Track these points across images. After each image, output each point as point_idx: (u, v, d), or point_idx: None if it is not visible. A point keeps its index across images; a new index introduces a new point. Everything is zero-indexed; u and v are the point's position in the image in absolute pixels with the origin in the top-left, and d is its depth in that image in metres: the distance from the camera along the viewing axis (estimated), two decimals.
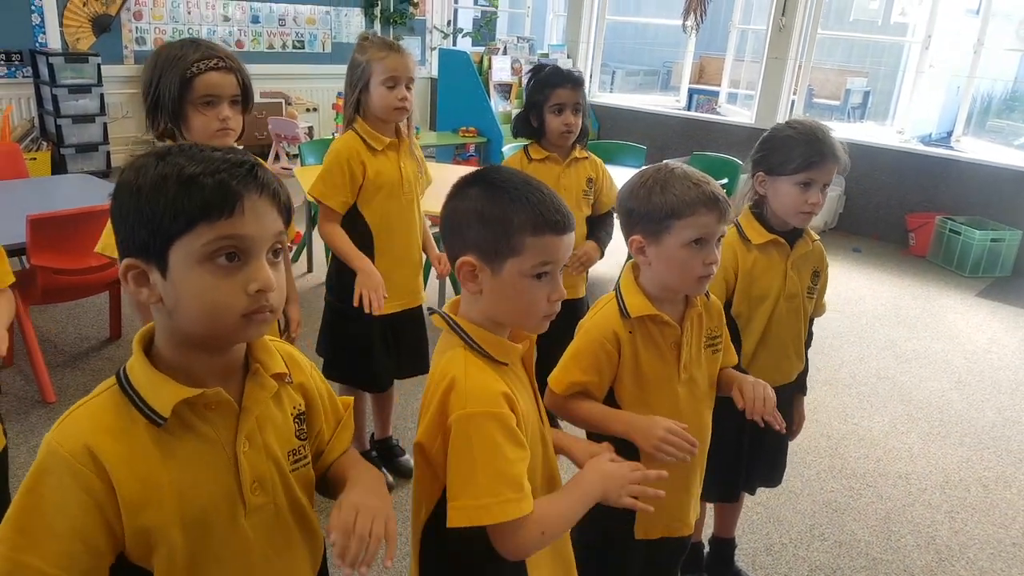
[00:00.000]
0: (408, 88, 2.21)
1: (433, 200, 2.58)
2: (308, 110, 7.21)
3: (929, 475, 2.91)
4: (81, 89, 5.81)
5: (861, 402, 3.47)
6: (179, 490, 0.88)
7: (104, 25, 6.21)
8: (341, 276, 2.33)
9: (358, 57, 2.22)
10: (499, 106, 6.89)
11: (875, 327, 4.39)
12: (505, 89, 6.99)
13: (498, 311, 1.16)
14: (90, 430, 0.86)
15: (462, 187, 1.16)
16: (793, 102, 6.60)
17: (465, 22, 9.32)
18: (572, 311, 2.05)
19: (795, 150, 1.74)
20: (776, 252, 1.84)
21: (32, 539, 0.84)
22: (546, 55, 7.53)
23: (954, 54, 7.19)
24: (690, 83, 8.04)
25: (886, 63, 9.90)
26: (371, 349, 2.38)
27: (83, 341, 3.48)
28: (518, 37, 7.40)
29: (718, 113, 7.55)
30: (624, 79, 11.80)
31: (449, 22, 8.70)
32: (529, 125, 2.47)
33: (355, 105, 2.24)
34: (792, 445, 2.95)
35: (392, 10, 8.04)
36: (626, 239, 1.48)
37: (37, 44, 5.83)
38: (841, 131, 6.78)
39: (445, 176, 2.57)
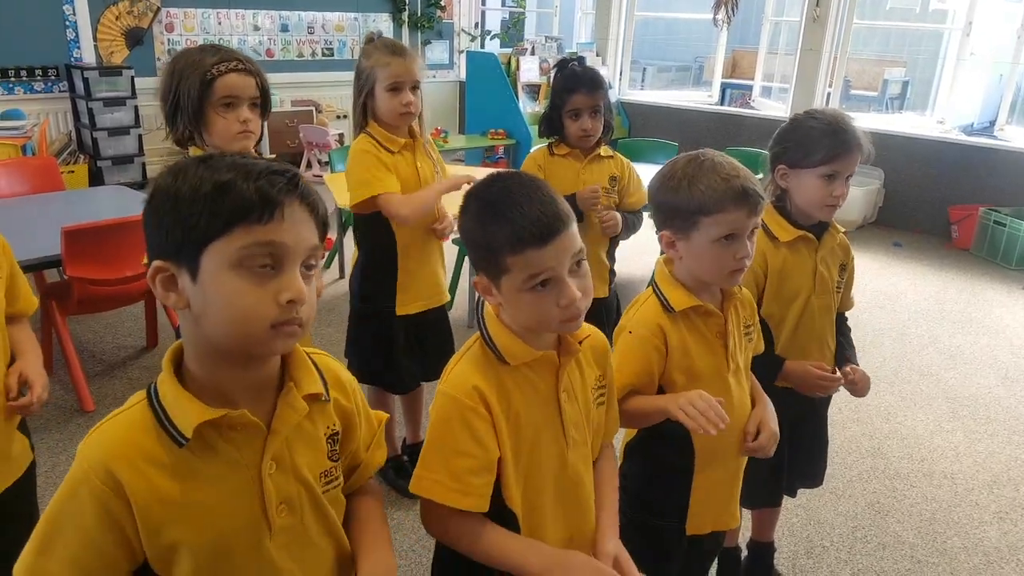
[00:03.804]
0: (414, 91, 2.19)
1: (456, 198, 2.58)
2: (338, 117, 7.26)
3: (976, 474, 2.81)
4: (116, 102, 5.92)
5: (904, 400, 3.36)
6: (199, 512, 0.87)
7: (137, 38, 6.32)
8: (365, 277, 2.35)
9: (363, 62, 2.21)
10: (527, 107, 6.87)
11: (917, 323, 4.26)
12: (534, 90, 6.96)
13: (520, 322, 1.15)
14: (112, 447, 0.85)
15: (463, 205, 1.15)
16: (829, 94, 6.45)
17: (493, 24, 9.31)
18: (595, 313, 2.01)
19: (819, 141, 1.69)
20: (805, 248, 1.78)
21: (51, 546, 0.86)
22: (574, 54, 7.47)
23: (997, 41, 6.96)
24: (723, 78, 7.92)
25: (925, 52, 9.66)
26: (395, 349, 2.37)
27: (120, 350, 3.53)
28: (546, 37, 7.36)
29: (752, 107, 7.43)
30: (655, 76, 11.68)
31: (476, 24, 8.69)
32: (552, 125, 2.45)
33: (363, 110, 2.24)
34: (833, 445, 2.88)
35: (419, 14, 8.06)
36: (657, 232, 1.44)
37: (72, 59, 5.96)
38: (879, 122, 6.66)
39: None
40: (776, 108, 7.01)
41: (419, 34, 8.14)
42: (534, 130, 6.74)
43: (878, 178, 6.06)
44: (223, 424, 0.87)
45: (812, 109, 1.79)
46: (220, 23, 6.84)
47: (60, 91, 5.97)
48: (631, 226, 2.55)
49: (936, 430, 3.12)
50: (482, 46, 8.63)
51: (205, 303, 0.84)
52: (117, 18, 6.18)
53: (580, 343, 1.21)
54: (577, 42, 8.02)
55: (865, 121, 6.64)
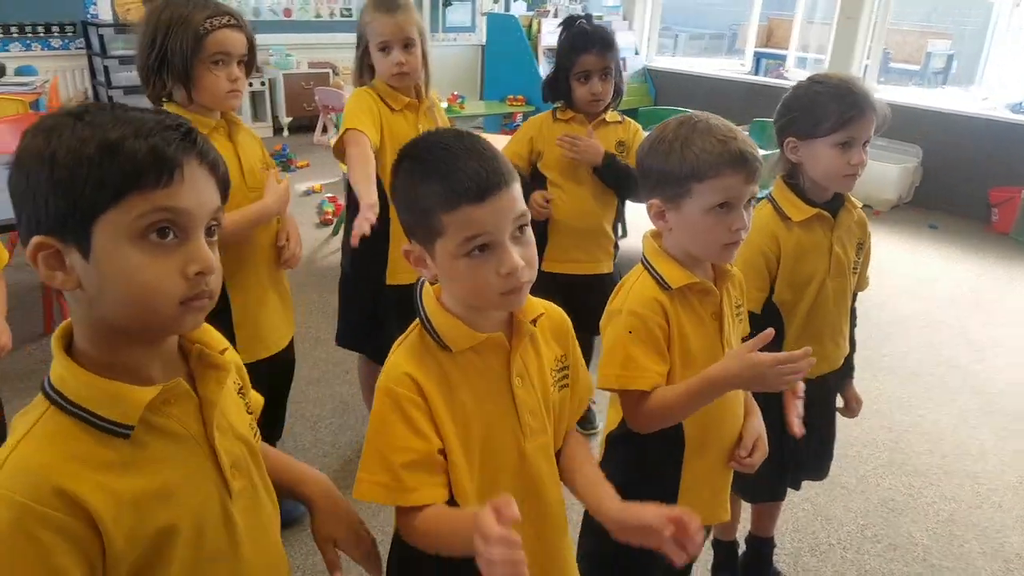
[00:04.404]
0: (407, 50, 2.06)
1: None
2: None
3: (1001, 475, 2.64)
4: (131, 60, 5.81)
5: (928, 392, 3.18)
6: (170, 497, 0.80)
7: None
8: (357, 246, 2.24)
9: (360, 18, 2.13)
10: (548, 72, 6.65)
11: (948, 310, 4.04)
12: (555, 54, 6.74)
13: (458, 296, 1.03)
14: (50, 467, 0.73)
15: (395, 165, 1.03)
16: (867, 66, 6.15)
17: None
18: (598, 289, 1.89)
19: (828, 107, 1.54)
20: (820, 227, 1.63)
21: None
22: (600, 18, 7.22)
23: None
24: (757, 46, 7.62)
25: (972, 23, 9.19)
26: (382, 319, 2.27)
27: None
28: None
29: (785, 78, 7.13)
30: (688, 43, 11.34)
31: None
32: (558, 89, 2.29)
33: (360, 67, 2.16)
34: (848, 437, 2.75)
35: None
36: (645, 202, 1.31)
37: (89, 16, 5.88)
38: (919, 97, 6.34)
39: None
40: None
41: None
42: None
43: (916, 156, 5.78)
44: (157, 401, 0.79)
45: (816, 74, 1.63)
46: None
47: (77, 48, 5.91)
48: (632, 185, 2.39)
49: (960, 425, 2.94)
50: (507, 9, 8.39)
51: (102, 282, 0.75)
52: None
53: (534, 322, 1.09)
54: (604, 5, 7.74)
55: (904, 95, 6.38)
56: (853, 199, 1.69)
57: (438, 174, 0.96)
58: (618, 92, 2.30)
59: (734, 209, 1.22)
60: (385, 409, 1.01)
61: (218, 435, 0.86)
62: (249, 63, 1.75)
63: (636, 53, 7.43)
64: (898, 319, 3.84)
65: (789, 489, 1.92)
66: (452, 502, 1.05)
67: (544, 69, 6.66)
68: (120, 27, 5.83)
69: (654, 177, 1.27)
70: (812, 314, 1.65)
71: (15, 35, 5.57)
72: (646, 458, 1.38)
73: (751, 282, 1.61)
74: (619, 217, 2.48)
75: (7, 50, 5.53)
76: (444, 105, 6.02)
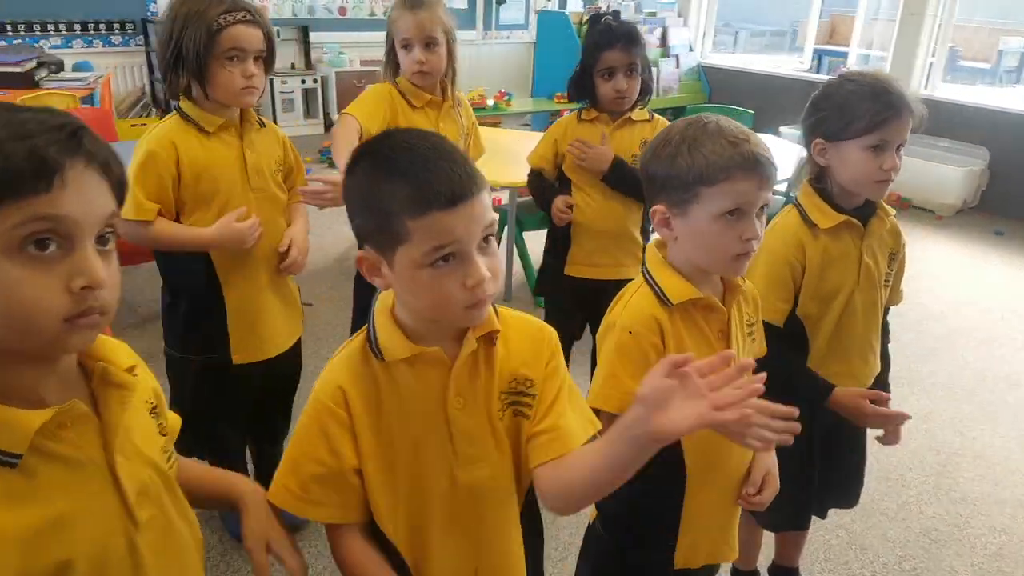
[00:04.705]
0: (429, 49, 2.04)
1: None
2: None
3: None
4: None
5: (984, 412, 2.98)
6: (63, 529, 0.74)
7: None
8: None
9: (390, 16, 2.13)
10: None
11: (1011, 323, 3.79)
12: (581, 52, 6.62)
13: (414, 308, 0.97)
14: None
15: (351, 162, 0.96)
16: (932, 64, 5.85)
17: None
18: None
19: (860, 106, 1.43)
20: (848, 236, 1.53)
21: None
22: (653, 14, 7.08)
23: None
24: (819, 43, 7.35)
25: None
26: None
27: (156, 303, 3.52)
28: None
29: None
30: (749, 40, 11.07)
31: None
32: (582, 87, 2.22)
33: (387, 66, 2.16)
34: (890, 460, 2.59)
35: None
36: (648, 208, 1.24)
37: (148, 14, 6.03)
38: (988, 97, 6.00)
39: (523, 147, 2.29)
40: None
41: None
42: None
43: (982, 158, 5.47)
44: (51, 426, 0.73)
45: (849, 71, 1.52)
46: None
47: (137, 45, 6.07)
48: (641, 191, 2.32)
49: (1018, 450, 2.74)
50: (563, 6, 8.29)
51: None
52: None
53: (493, 339, 1.01)
54: (659, 1, 7.57)
55: (971, 94, 6.05)
56: (886, 206, 1.58)
57: (406, 176, 0.89)
58: (646, 90, 2.22)
59: (745, 216, 1.13)
60: (309, 417, 0.99)
61: (121, 460, 0.80)
62: (268, 59, 1.72)
63: (690, 50, 7.26)
64: (955, 332, 3.63)
65: (817, 517, 1.82)
66: (375, 525, 1.01)
67: None
68: None
69: (659, 182, 1.19)
70: (839, 329, 1.55)
71: (78, 32, 5.75)
72: (645, 488, 1.28)
73: (775, 293, 1.51)
74: (647, 220, 2.39)
75: (69, 46, 5.71)
76: (491, 102, 6.00)
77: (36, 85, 4.13)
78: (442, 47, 2.08)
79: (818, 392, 1.51)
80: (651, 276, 1.22)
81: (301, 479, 0.98)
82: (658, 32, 7.05)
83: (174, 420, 0.98)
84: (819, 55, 7.50)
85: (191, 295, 1.84)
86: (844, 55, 7.19)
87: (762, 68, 7.15)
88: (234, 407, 1.96)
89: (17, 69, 4.10)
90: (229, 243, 1.71)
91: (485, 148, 2.38)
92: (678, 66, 7.10)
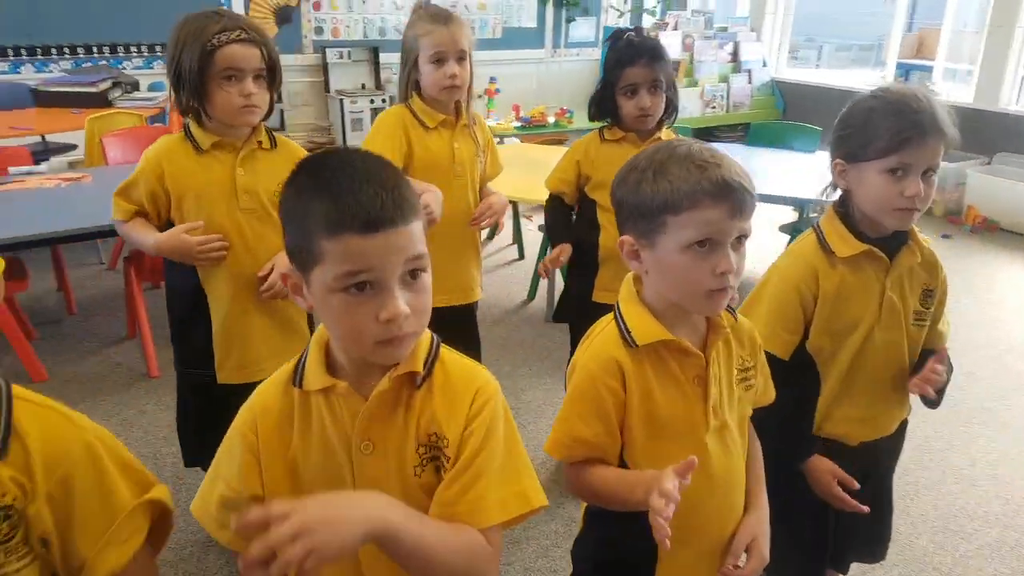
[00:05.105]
0: (460, 63, 2.00)
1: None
2: (478, 96, 7.16)
3: None
4: None
5: None
6: None
7: (286, 16, 6.54)
8: None
9: (408, 32, 2.06)
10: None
11: None
12: (673, 67, 6.47)
13: (332, 336, 0.93)
14: None
15: (288, 178, 0.91)
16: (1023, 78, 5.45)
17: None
18: None
19: (880, 125, 1.29)
20: (870, 267, 1.37)
21: None
22: (724, 29, 6.88)
23: None
24: (903, 58, 6.97)
25: None
26: None
27: None
28: (692, 11, 6.82)
29: (932, 91, 6.47)
30: (834, 54, 10.65)
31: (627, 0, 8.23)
32: (604, 106, 2.12)
33: (406, 83, 2.09)
34: (951, 507, 2.36)
35: None
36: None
37: None
38: None
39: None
40: (959, 94, 6.03)
41: (563, 11, 7.84)
42: None
43: None
44: None
45: (882, 86, 1.37)
46: (364, 1, 6.93)
47: None
48: None
49: None
50: (638, 21, 8.18)
51: None
52: None
53: (422, 381, 0.93)
54: (729, 16, 7.37)
55: None
56: (920, 236, 1.41)
57: (327, 193, 0.85)
58: (671, 108, 2.11)
59: (718, 248, 1.03)
60: (226, 438, 0.97)
61: None
62: (271, 77, 1.71)
63: (764, 65, 7.01)
64: None
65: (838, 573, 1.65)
66: None
67: None
68: None
69: (626, 210, 1.10)
70: (855, 368, 1.40)
71: (159, 54, 6.03)
72: (621, 543, 1.18)
73: (779, 322, 1.38)
74: None
75: (151, 67, 5.99)
76: (551, 119, 5.95)
77: (109, 104, 4.33)
78: (468, 63, 2.04)
79: (799, 449, 1.41)
80: (620, 313, 1.13)
81: (213, 498, 0.95)
82: (729, 47, 6.85)
83: (101, 561, 0.86)
84: (906, 70, 7.12)
85: (180, 309, 1.87)
86: (931, 69, 6.80)
87: (841, 84, 6.82)
88: (227, 423, 1.96)
89: (92, 89, 4.32)
90: (171, 253, 1.74)
91: (503, 166, 2.31)
92: (750, 81, 6.87)
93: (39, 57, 5.23)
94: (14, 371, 2.99)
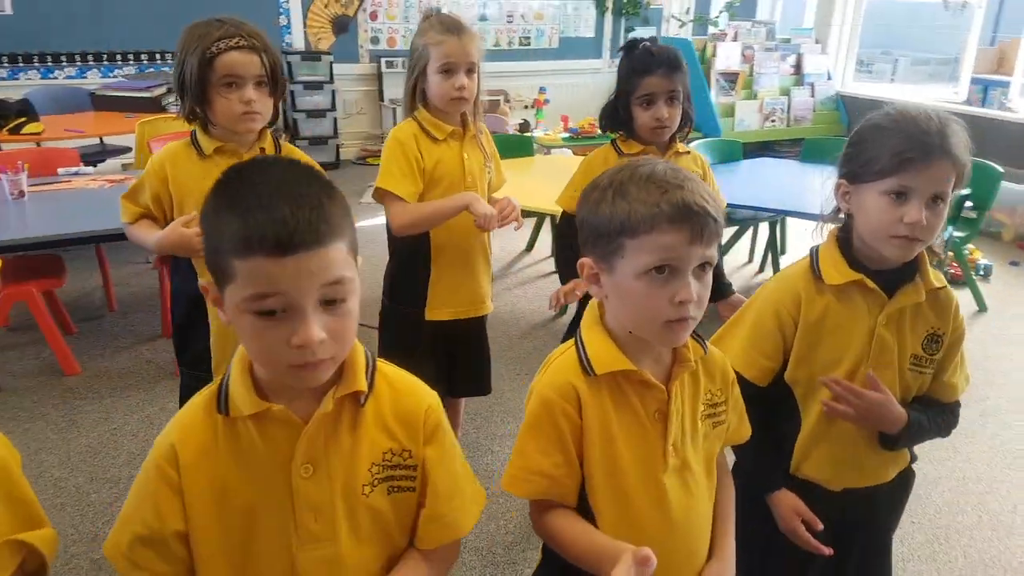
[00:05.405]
0: (469, 75, 1.96)
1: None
2: (526, 107, 7.15)
3: None
4: (315, 86, 6.31)
5: None
6: None
7: (343, 25, 6.67)
8: (396, 277, 2.17)
9: (416, 41, 2.02)
10: (720, 98, 6.25)
11: None
12: (730, 79, 6.31)
13: (249, 355, 0.89)
14: None
15: (214, 184, 0.88)
16: None
17: (710, 8, 8.61)
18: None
19: (883, 144, 1.18)
20: (862, 300, 1.27)
21: None
22: (787, 40, 6.67)
23: None
24: (983, 72, 6.62)
25: None
26: (418, 358, 2.14)
27: None
28: (753, 21, 6.63)
29: (1008, 109, 6.11)
30: (910, 68, 10.20)
31: (688, 9, 8.09)
32: (617, 117, 2.05)
33: (412, 92, 2.04)
34: (976, 556, 2.18)
35: (625, 0, 7.67)
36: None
37: (284, 44, 6.43)
38: None
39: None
40: None
41: (623, 20, 7.77)
42: (725, 123, 6.13)
43: None
44: None
45: (897, 104, 1.26)
46: (421, 12, 7.01)
47: None
48: None
49: None
50: (704, 31, 8.02)
51: None
52: (326, 6, 6.57)
53: (364, 400, 0.91)
54: (792, 28, 7.14)
55: None
56: (932, 273, 1.27)
57: (238, 209, 0.81)
58: (687, 120, 2.03)
59: (677, 276, 0.96)
60: (141, 473, 0.91)
61: None
62: (273, 84, 1.71)
63: (829, 78, 6.77)
64: None
65: None
66: None
67: (715, 94, 6.26)
68: (307, 54, 6.31)
69: (585, 231, 1.04)
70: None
71: None
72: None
73: (756, 347, 1.29)
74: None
75: None
76: (600, 131, 5.88)
77: (162, 109, 4.48)
78: (476, 75, 2.00)
79: (767, 481, 1.31)
80: (581, 338, 1.07)
81: (128, 538, 0.90)
82: (792, 59, 6.63)
83: None
84: (985, 85, 6.76)
85: (181, 312, 1.89)
86: (1008, 84, 6.43)
87: (911, 99, 6.52)
88: None
89: (146, 94, 4.49)
90: (172, 248, 1.73)
91: (506, 178, 2.26)
92: (813, 95, 6.64)
93: (105, 63, 5.47)
94: (49, 364, 3.11)
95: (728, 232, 4.13)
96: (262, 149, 1.79)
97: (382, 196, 1.99)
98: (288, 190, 0.81)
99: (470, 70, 1.96)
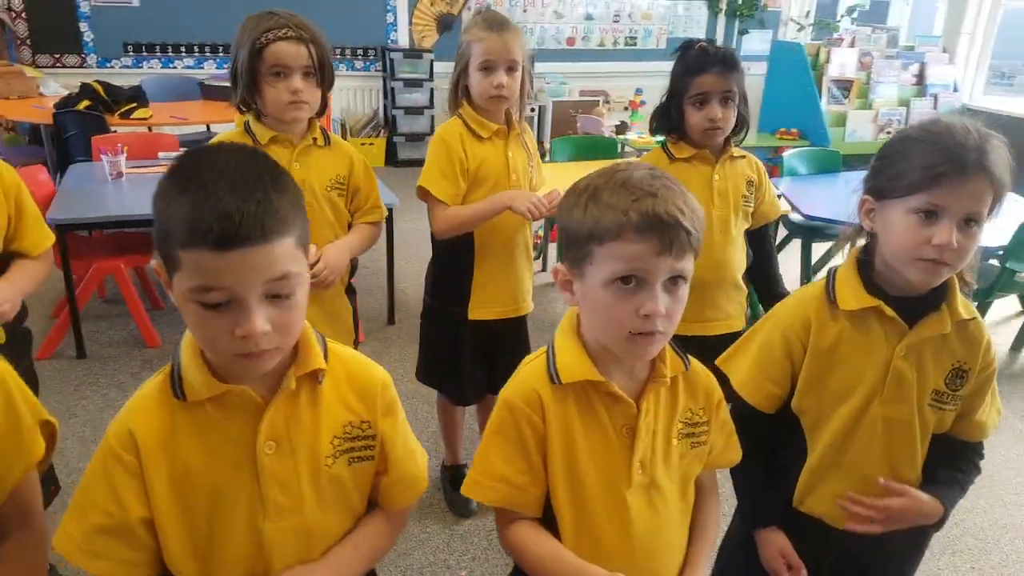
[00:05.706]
0: (510, 73, 1.93)
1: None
2: (624, 108, 7.02)
3: None
4: (414, 83, 6.44)
5: None
6: None
7: (447, 24, 6.77)
8: (437, 273, 2.18)
9: (462, 37, 2.02)
10: (830, 106, 5.90)
11: None
12: (843, 86, 5.94)
13: (197, 341, 0.90)
14: None
15: (168, 168, 0.87)
16: None
17: (836, 12, 8.17)
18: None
19: (913, 158, 1.07)
20: (880, 327, 1.15)
21: None
22: (911, 48, 6.22)
23: None
24: None
25: None
26: (460, 357, 2.17)
27: None
28: (874, 27, 6.23)
29: None
30: None
31: (809, 12, 7.70)
32: (669, 118, 1.95)
33: (455, 89, 2.04)
34: None
35: (740, 2, 7.40)
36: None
37: (389, 41, 6.60)
38: None
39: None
40: None
41: (736, 23, 7.49)
42: (835, 132, 5.78)
43: None
44: None
45: (935, 116, 1.13)
46: (525, 11, 7.02)
47: (376, 70, 6.67)
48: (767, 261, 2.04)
49: None
50: (820, 36, 7.63)
51: None
52: (432, 4, 6.69)
53: (320, 377, 0.94)
54: (918, 35, 6.65)
55: None
56: (961, 303, 1.14)
57: (185, 199, 0.80)
58: (742, 123, 1.91)
59: (645, 288, 0.91)
60: (95, 462, 0.92)
61: None
62: (321, 75, 1.75)
63: (955, 90, 6.26)
64: None
65: None
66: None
67: (826, 102, 5.92)
68: (408, 52, 6.45)
69: (561, 235, 1.01)
70: (847, 441, 1.18)
71: None
72: None
73: (763, 372, 1.21)
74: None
75: None
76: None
77: None
78: (519, 73, 1.97)
79: (757, 514, 1.23)
80: (553, 345, 1.04)
81: (84, 528, 0.90)
82: (915, 68, 6.18)
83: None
84: None
85: None
86: None
87: None
88: None
89: None
90: None
91: (546, 178, 2.21)
92: (935, 107, 6.15)
93: (221, 55, 5.79)
94: (134, 335, 3.31)
95: (795, 243, 4.00)
96: (314, 140, 1.84)
97: (424, 195, 2.00)
98: (238, 181, 0.81)
99: (511, 68, 1.93)
